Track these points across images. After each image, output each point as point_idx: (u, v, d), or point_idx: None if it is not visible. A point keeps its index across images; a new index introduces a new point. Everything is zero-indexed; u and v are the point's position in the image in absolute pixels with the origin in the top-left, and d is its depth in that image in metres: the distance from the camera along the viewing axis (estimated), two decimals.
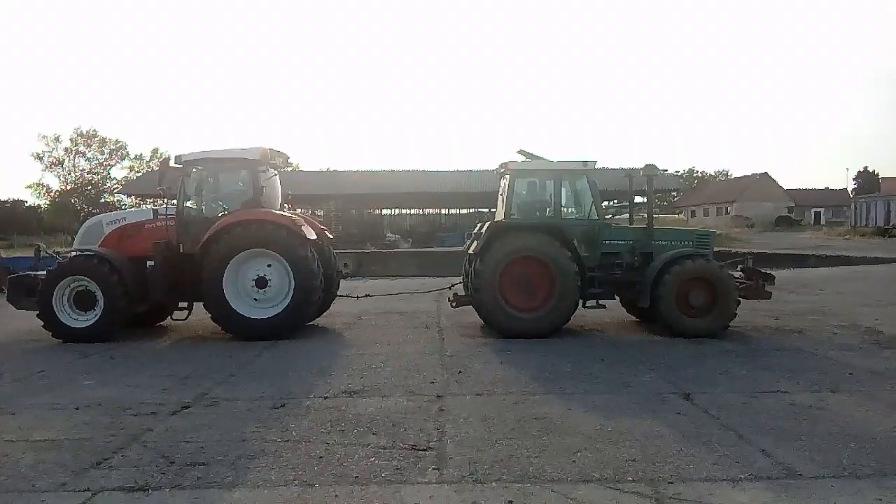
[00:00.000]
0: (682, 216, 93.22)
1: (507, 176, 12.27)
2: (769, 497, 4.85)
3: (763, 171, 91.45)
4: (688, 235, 12.78)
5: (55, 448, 6.09)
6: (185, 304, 12.32)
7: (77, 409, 7.36)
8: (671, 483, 5.11)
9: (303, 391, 8.02)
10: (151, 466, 5.56)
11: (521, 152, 12.85)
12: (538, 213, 12.38)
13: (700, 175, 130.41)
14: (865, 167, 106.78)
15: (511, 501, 4.81)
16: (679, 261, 11.39)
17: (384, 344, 11.01)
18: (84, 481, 5.29)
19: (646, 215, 12.77)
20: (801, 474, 5.27)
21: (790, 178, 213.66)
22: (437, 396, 7.71)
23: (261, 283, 11.69)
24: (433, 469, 5.46)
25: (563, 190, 12.25)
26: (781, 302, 14.67)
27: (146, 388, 8.29)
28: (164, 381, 8.60)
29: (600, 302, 12.03)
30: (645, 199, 13.42)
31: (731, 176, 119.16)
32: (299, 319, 11.88)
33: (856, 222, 60.39)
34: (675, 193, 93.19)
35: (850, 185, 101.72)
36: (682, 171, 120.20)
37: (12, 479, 5.37)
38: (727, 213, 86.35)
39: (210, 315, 11.74)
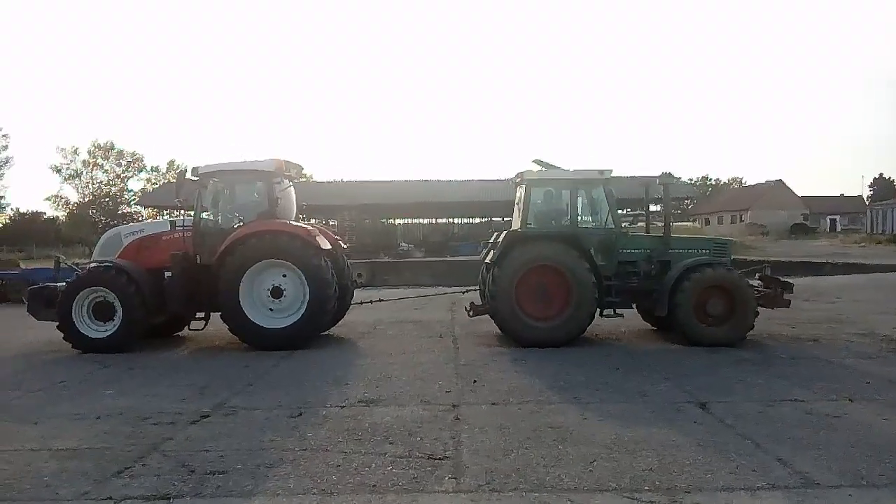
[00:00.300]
0: (695, 224, 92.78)
1: (524, 185, 12.31)
2: None
3: (777, 179, 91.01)
4: (705, 244, 12.72)
5: (77, 457, 6.18)
6: (202, 315, 12.43)
7: (98, 418, 7.46)
8: (688, 492, 5.11)
9: (319, 400, 8.08)
10: (172, 475, 5.63)
11: (537, 162, 12.90)
12: (554, 223, 12.38)
13: (714, 183, 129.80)
14: (881, 174, 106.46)
15: None
16: (698, 269, 11.37)
17: (399, 353, 11.06)
18: (106, 490, 5.36)
19: (662, 223, 12.75)
20: (818, 483, 5.26)
21: (805, 185, 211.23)
22: (453, 406, 7.74)
23: (276, 293, 11.78)
24: (450, 478, 5.48)
25: (580, 199, 12.28)
26: (797, 310, 14.59)
27: (165, 397, 8.38)
28: (183, 391, 8.69)
29: (617, 311, 12.03)
30: (661, 208, 13.42)
31: (745, 183, 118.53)
32: (314, 329, 11.95)
33: (872, 229, 59.95)
34: (688, 201, 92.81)
35: (866, 192, 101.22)
36: (695, 179, 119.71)
37: (36, 488, 5.46)
38: (741, 220, 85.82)
39: (227, 325, 11.84)
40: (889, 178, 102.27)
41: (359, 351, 11.57)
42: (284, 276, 11.78)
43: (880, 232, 57.51)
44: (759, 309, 11.56)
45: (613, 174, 12.19)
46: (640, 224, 14.65)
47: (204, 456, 6.10)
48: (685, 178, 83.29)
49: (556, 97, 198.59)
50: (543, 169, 12.75)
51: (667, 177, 12.37)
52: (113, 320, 11.79)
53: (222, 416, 7.49)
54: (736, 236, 58.42)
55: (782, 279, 12.74)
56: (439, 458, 5.94)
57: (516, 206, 12.79)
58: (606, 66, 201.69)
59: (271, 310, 11.82)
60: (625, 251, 12.11)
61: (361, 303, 15.04)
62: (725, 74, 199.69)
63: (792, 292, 12.31)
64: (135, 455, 6.17)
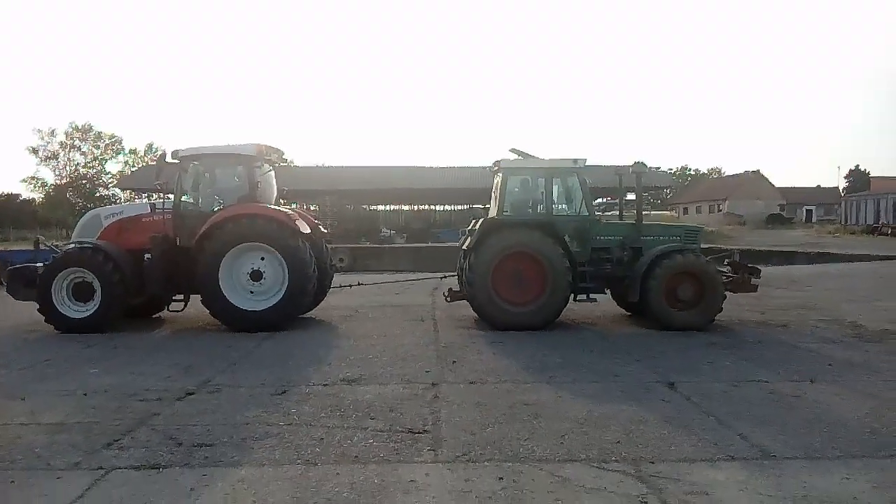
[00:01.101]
0: (673, 213, 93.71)
1: (501, 173, 12.55)
2: (744, 475, 5.16)
3: (755, 169, 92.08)
4: (676, 231, 13.06)
5: (66, 430, 6.34)
6: (180, 297, 12.53)
7: (84, 394, 7.62)
8: (652, 463, 5.42)
9: (302, 379, 8.30)
10: (160, 447, 5.83)
11: (514, 151, 13.13)
12: (530, 210, 12.64)
13: (692, 172, 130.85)
14: (856, 166, 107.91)
15: (502, 478, 5.10)
16: (669, 255, 11.70)
17: (380, 335, 11.28)
18: (96, 460, 5.55)
19: (635, 211, 13.07)
20: (774, 456, 5.58)
21: (782, 176, 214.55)
22: (433, 384, 7.99)
23: (255, 275, 11.92)
24: (429, 450, 5.74)
25: (555, 187, 12.53)
26: (768, 297, 15.01)
27: (150, 375, 8.54)
28: (167, 370, 8.85)
29: (591, 296, 12.35)
30: (635, 196, 13.73)
31: (723, 173, 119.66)
32: (294, 310, 12.13)
33: (846, 220, 61.01)
34: (667, 190, 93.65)
35: (842, 184, 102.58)
36: (674, 169, 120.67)
37: (28, 459, 5.63)
38: (719, 210, 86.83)
39: (208, 309, 11.98)
40: (864, 170, 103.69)
41: (340, 333, 11.77)
42: (263, 258, 11.92)
43: (854, 223, 58.56)
44: (729, 294, 11.93)
45: (588, 163, 12.45)
46: (613, 212, 14.98)
47: (191, 430, 6.30)
48: (664, 168, 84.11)
49: (537, 86, 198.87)
50: (520, 158, 12.98)
51: (639, 166, 12.70)
52: (92, 300, 11.88)
53: (207, 393, 7.68)
54: (713, 226, 59.33)
55: (750, 265, 13.13)
56: (419, 432, 6.20)
57: (493, 194, 13.04)
58: (587, 55, 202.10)
59: (251, 292, 11.96)
60: (598, 238, 12.41)
61: (341, 286, 15.22)
62: (706, 67, 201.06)
63: (759, 277, 12.70)
64: (123, 429, 6.35)
